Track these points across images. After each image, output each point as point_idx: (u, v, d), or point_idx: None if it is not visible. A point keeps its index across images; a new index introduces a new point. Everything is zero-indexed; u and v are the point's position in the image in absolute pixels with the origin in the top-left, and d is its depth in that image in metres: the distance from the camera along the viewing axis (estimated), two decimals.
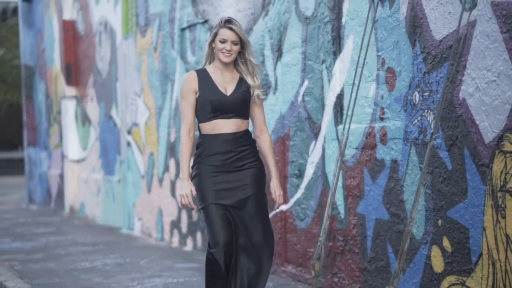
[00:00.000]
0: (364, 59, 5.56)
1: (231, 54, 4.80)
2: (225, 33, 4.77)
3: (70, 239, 9.83)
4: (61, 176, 13.54)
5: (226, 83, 4.85)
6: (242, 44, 4.83)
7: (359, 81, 5.61)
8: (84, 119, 12.69)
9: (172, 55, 9.00)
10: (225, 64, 4.84)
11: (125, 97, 10.51)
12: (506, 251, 4.49)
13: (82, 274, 7.29)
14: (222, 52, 4.78)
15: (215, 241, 4.73)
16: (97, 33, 11.86)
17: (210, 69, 4.88)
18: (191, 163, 4.85)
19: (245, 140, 4.86)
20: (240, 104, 4.83)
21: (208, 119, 4.81)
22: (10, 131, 32.49)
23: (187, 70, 8.60)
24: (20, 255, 8.61)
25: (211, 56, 4.90)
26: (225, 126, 4.80)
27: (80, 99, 12.88)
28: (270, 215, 6.91)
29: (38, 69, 15.21)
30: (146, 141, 9.81)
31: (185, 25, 8.66)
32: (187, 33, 8.64)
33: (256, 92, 4.87)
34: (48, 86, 14.44)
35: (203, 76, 4.84)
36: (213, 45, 4.84)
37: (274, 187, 4.95)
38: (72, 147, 13.09)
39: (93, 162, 12.22)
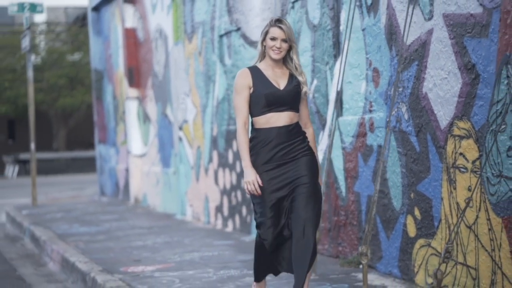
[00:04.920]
0: (345, 62, 6.61)
1: (281, 52, 5.05)
2: (275, 31, 5.04)
3: (130, 224, 11.09)
4: (127, 170, 14.87)
5: (278, 78, 5.09)
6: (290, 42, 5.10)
7: (342, 81, 6.67)
8: (145, 118, 13.99)
9: (213, 59, 10.17)
10: (275, 61, 5.10)
11: (177, 97, 11.75)
12: (457, 216, 5.50)
13: (134, 250, 8.51)
14: (272, 50, 5.05)
15: (263, 234, 5.04)
16: (154, 39, 13.12)
17: (261, 66, 5.14)
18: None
19: (297, 132, 5.10)
20: (292, 98, 5.07)
21: (262, 113, 5.04)
22: (89, 131, 34.22)
23: (225, 72, 9.75)
24: (85, 237, 9.90)
25: (263, 54, 5.17)
26: (279, 119, 5.03)
27: (141, 100, 14.19)
28: None
29: (106, 73, 16.58)
30: (194, 135, 11.02)
31: (222, 32, 9.81)
32: (225, 39, 9.79)
33: (304, 89, 5.14)
34: (115, 88, 15.78)
35: (255, 72, 5.10)
36: (264, 44, 5.11)
37: None
38: (135, 143, 14.43)
39: (153, 156, 13.51)
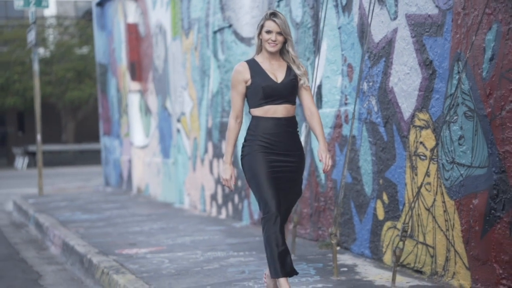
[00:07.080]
0: (318, 59, 7.11)
1: (276, 44, 5.14)
2: (270, 24, 5.13)
3: (130, 212, 11.62)
4: (130, 161, 15.41)
5: (275, 71, 5.18)
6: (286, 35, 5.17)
7: (317, 76, 7.17)
8: (146, 110, 14.52)
9: (207, 54, 10.68)
10: (272, 54, 5.19)
11: (175, 90, 12.27)
12: (418, 200, 6.00)
13: (130, 235, 9.04)
14: (268, 43, 5.14)
15: (268, 210, 5.08)
16: (154, 34, 13.64)
17: (258, 59, 5.23)
18: (244, 142, 5.27)
19: (293, 124, 5.23)
20: (289, 91, 5.17)
21: (260, 105, 5.16)
22: (97, 123, 34.79)
23: (218, 67, 10.26)
24: (86, 223, 10.44)
25: (260, 47, 5.25)
26: (276, 111, 5.14)
27: (142, 93, 14.72)
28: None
29: (110, 66, 17.10)
30: (191, 127, 11.55)
31: (216, 28, 10.32)
32: (218, 35, 10.29)
33: (303, 80, 5.22)
34: (118, 82, 16.31)
35: (253, 65, 5.20)
36: (260, 37, 5.20)
37: (321, 151, 5.21)
38: (138, 135, 14.97)
39: (154, 147, 14.05)
